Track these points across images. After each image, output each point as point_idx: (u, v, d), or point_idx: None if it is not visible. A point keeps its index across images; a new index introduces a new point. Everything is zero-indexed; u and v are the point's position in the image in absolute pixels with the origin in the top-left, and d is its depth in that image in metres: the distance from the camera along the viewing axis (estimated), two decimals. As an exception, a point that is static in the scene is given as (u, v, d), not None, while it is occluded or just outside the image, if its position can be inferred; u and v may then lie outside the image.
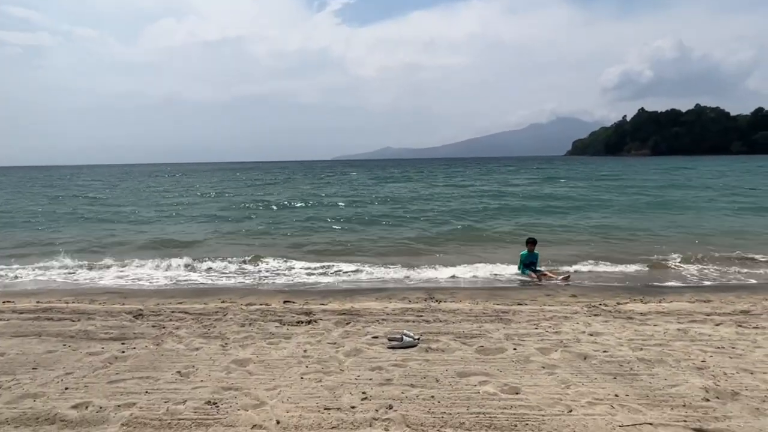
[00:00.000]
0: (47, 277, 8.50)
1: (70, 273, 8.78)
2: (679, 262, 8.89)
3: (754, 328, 4.63)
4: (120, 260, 9.54)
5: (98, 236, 13.13)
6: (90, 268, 9.05)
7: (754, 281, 7.66)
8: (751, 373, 3.44)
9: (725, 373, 3.44)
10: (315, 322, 4.96)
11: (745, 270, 8.36)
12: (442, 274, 8.38)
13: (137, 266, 9.21)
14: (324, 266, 8.98)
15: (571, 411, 2.88)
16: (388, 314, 5.26)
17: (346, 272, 8.62)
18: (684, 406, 2.94)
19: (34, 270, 8.97)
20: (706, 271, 8.42)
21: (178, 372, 3.57)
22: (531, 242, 8.55)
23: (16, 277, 8.47)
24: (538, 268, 8.31)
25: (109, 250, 10.90)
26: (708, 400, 3.02)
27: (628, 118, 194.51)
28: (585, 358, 3.75)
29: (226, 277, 8.45)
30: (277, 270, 8.88)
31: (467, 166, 78.58)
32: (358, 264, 9.03)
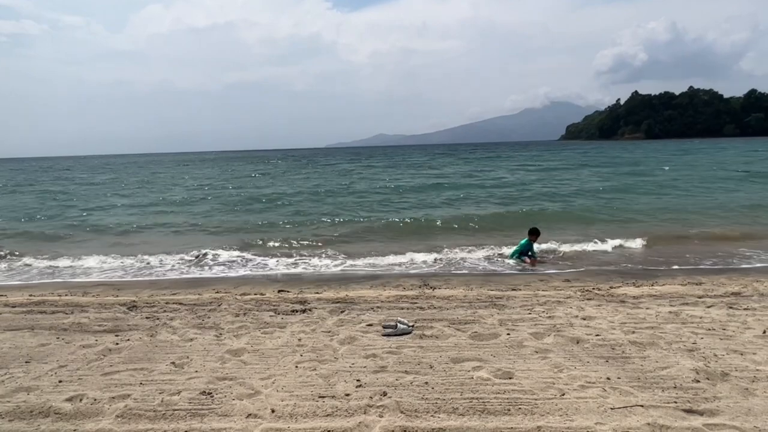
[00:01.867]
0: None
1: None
2: None
3: (744, 309, 4.68)
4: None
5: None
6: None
7: (745, 264, 7.72)
8: (741, 354, 3.48)
9: (716, 355, 3.48)
10: (309, 310, 4.97)
11: None
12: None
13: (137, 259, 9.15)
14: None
15: (563, 394, 2.91)
16: (382, 302, 5.28)
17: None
18: (675, 387, 2.98)
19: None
20: None
21: (173, 363, 3.57)
22: (535, 233, 8.43)
23: None
24: (532, 254, 8.33)
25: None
26: (698, 381, 3.05)
27: (622, 102, 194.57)
28: (578, 342, 3.79)
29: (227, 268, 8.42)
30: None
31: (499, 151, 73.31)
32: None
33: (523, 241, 8.42)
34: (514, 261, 8.29)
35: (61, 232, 12.50)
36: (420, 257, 8.55)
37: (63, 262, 8.84)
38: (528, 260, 8.13)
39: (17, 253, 9.62)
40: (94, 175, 40.51)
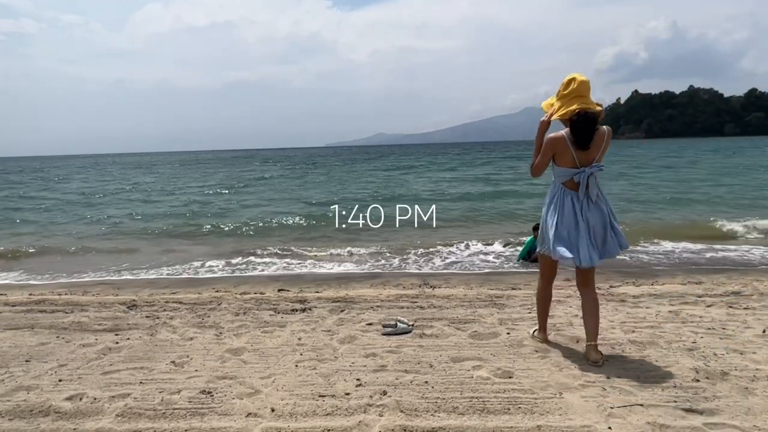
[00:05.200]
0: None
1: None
2: None
3: (744, 308, 4.68)
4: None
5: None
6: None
7: (745, 263, 7.73)
8: (741, 354, 3.48)
9: (715, 354, 3.48)
10: (309, 309, 4.97)
11: None
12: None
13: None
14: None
15: (563, 394, 2.91)
16: (382, 301, 5.28)
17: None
18: (674, 387, 2.98)
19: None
20: None
21: (173, 362, 3.57)
22: (537, 228, 8.23)
23: None
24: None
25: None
26: (698, 380, 3.05)
27: (622, 101, 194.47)
28: (577, 341, 3.78)
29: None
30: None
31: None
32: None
33: (529, 239, 8.19)
34: (520, 261, 8.12)
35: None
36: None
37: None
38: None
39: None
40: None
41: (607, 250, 3.24)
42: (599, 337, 3.84)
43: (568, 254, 3.15)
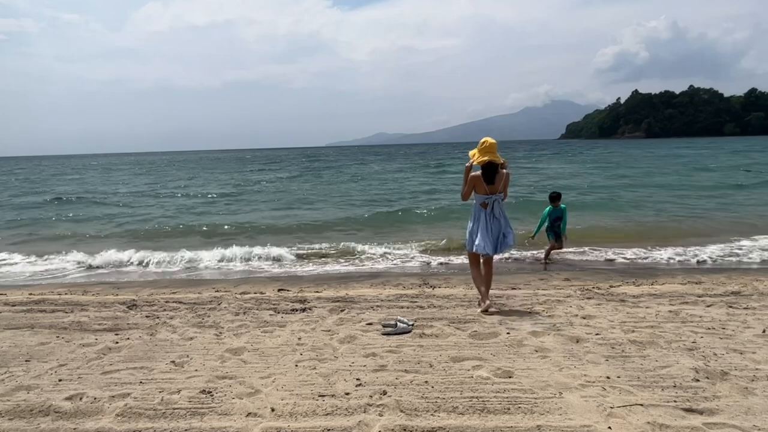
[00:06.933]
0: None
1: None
2: None
3: (744, 308, 4.68)
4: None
5: None
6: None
7: (745, 263, 7.73)
8: (741, 353, 3.48)
9: (715, 354, 3.48)
10: (309, 309, 4.97)
11: None
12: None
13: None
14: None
15: (563, 393, 2.91)
16: (382, 301, 5.28)
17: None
18: (674, 386, 2.98)
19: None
20: None
21: (173, 362, 3.57)
22: (555, 197, 7.89)
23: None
24: (561, 227, 7.86)
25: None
26: (698, 380, 3.06)
27: (622, 101, 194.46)
28: (577, 341, 3.79)
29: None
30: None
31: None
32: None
33: (546, 210, 7.94)
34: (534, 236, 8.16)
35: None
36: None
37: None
38: (554, 243, 7.87)
39: None
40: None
41: (498, 248, 4.89)
42: (599, 337, 3.88)
43: (483, 249, 4.78)
